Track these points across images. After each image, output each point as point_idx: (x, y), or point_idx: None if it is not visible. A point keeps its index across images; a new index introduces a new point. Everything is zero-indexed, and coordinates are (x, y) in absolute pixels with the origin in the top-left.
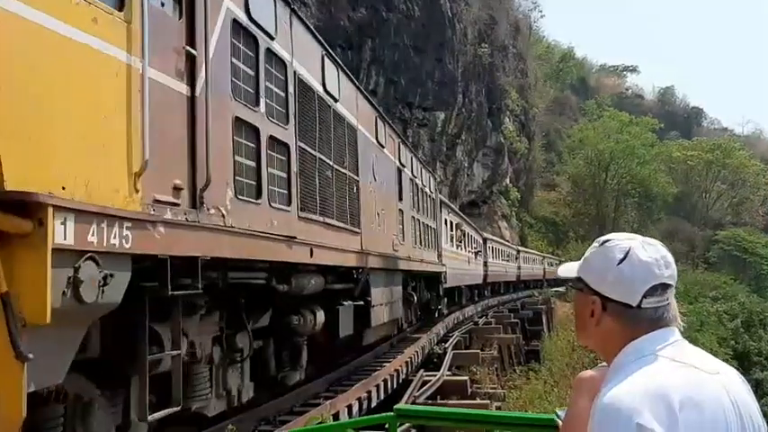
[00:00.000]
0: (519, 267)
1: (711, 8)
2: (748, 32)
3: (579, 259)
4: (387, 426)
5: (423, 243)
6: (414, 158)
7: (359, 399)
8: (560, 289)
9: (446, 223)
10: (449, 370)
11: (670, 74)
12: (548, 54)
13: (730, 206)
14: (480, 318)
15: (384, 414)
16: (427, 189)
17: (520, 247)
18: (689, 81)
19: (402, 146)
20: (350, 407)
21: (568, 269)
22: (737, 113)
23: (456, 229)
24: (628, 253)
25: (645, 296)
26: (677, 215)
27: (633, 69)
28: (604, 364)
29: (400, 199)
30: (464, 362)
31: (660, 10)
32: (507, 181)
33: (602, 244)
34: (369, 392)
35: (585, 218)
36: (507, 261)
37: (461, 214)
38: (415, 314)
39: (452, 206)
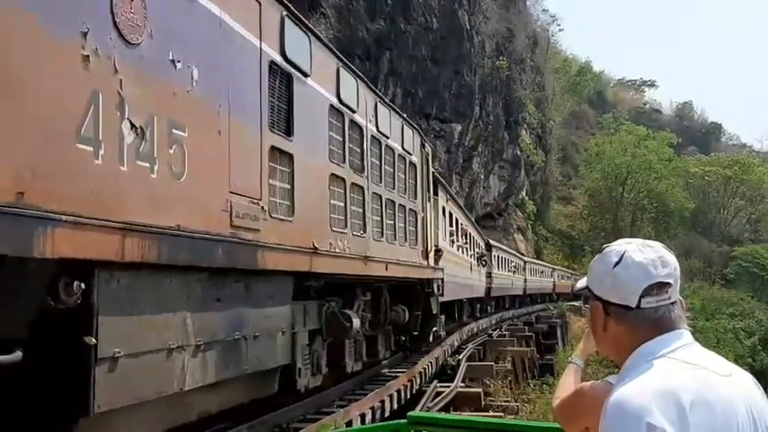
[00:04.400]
0: (525, 280)
1: (731, 24)
2: None
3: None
4: None
5: (383, 232)
6: (351, 75)
7: (372, 408)
8: (575, 303)
9: (444, 213)
10: (462, 382)
11: (688, 89)
12: (565, 67)
13: (748, 222)
14: (494, 330)
15: (397, 421)
16: (397, 146)
17: (526, 257)
18: (707, 96)
19: (299, 30)
20: (363, 415)
21: (583, 281)
22: (757, 129)
23: (457, 225)
24: (623, 256)
25: (642, 296)
26: (694, 231)
27: (651, 84)
28: (608, 379)
29: (287, 133)
30: (478, 374)
31: (679, 25)
32: (523, 194)
33: (601, 250)
34: (382, 402)
35: (602, 232)
36: (513, 272)
37: (462, 207)
38: (385, 344)
39: (452, 192)
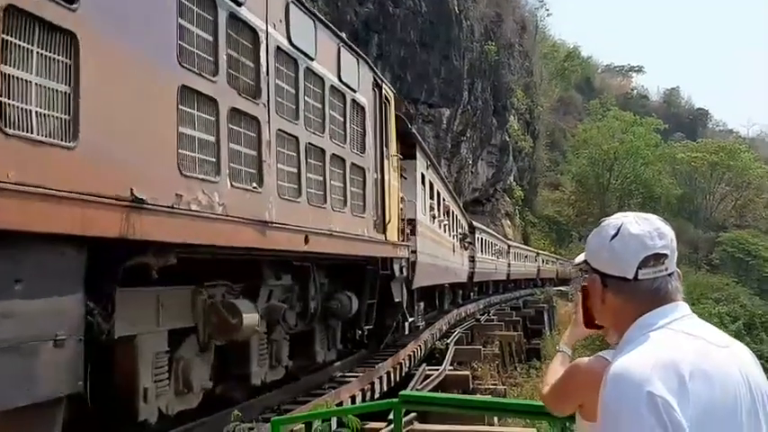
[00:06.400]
0: (509, 264)
1: (718, 10)
2: (755, 35)
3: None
4: (391, 415)
5: (301, 189)
6: None
7: (362, 390)
8: (562, 288)
9: (423, 182)
10: (450, 365)
11: (676, 75)
12: (553, 52)
13: (734, 208)
14: (482, 315)
15: (389, 400)
16: (329, 75)
17: (511, 241)
18: (695, 83)
19: None
20: (353, 397)
21: (581, 256)
22: (743, 116)
23: (439, 199)
24: (620, 229)
25: (639, 268)
26: (681, 217)
27: (639, 70)
28: (601, 354)
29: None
30: (466, 357)
31: (667, 11)
32: (511, 179)
33: (599, 224)
34: (372, 384)
35: (589, 217)
36: (497, 257)
37: (445, 179)
38: (328, 343)
39: (433, 158)
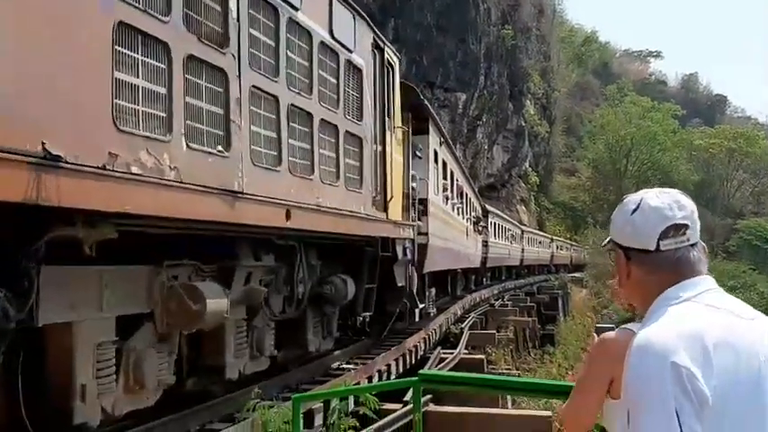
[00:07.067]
0: (523, 250)
1: None
2: None
3: (596, 245)
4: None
5: (282, 158)
6: None
7: (379, 371)
8: (577, 274)
9: (436, 160)
10: (465, 349)
11: (694, 61)
12: (571, 37)
13: (752, 195)
14: (497, 300)
15: (409, 379)
16: (319, 30)
17: (524, 226)
18: (713, 68)
19: None
20: (370, 378)
21: (608, 237)
22: (762, 102)
23: (452, 179)
24: (640, 203)
25: (660, 239)
26: (698, 203)
27: (657, 55)
28: (627, 326)
29: None
30: (480, 342)
31: None
32: (527, 165)
33: (621, 201)
34: (388, 365)
35: (605, 204)
36: (510, 242)
37: (458, 158)
38: (323, 330)
39: (446, 136)
